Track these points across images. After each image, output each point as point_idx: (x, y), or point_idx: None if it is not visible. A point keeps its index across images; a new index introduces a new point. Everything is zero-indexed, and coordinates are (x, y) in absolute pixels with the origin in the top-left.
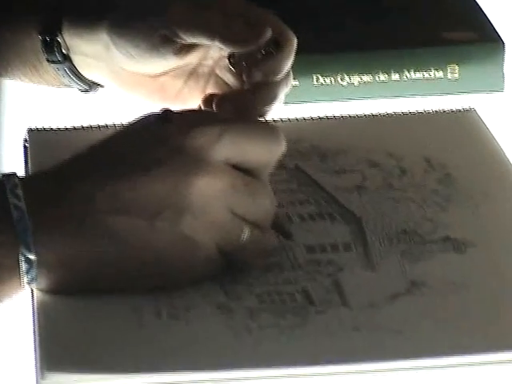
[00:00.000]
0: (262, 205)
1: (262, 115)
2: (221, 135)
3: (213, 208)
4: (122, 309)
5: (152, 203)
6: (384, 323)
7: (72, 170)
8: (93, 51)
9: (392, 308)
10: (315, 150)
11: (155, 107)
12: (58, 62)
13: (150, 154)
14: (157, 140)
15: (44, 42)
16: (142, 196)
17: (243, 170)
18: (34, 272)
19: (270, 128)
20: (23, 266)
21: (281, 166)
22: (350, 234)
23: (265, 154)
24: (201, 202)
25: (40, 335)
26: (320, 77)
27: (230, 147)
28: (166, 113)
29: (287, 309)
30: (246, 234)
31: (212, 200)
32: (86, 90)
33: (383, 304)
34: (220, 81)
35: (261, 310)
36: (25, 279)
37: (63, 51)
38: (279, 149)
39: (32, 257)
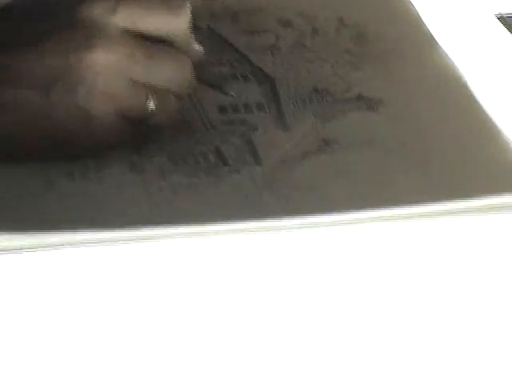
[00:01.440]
0: (166, 69)
1: None
2: (116, 4)
3: (109, 78)
4: (33, 172)
5: (45, 76)
6: (296, 181)
7: None
8: None
9: (304, 166)
10: (227, 11)
11: None
12: None
13: (43, 25)
14: (51, 11)
15: None
16: (34, 68)
17: (150, 39)
18: None
19: None
20: None
21: (192, 27)
22: (264, 95)
23: (166, 19)
24: (95, 72)
25: None
26: None
27: (126, 16)
28: None
29: (200, 169)
30: (150, 99)
31: (108, 70)
32: None
33: (296, 162)
34: None
35: (173, 170)
36: None
37: None
38: (182, 13)
39: None
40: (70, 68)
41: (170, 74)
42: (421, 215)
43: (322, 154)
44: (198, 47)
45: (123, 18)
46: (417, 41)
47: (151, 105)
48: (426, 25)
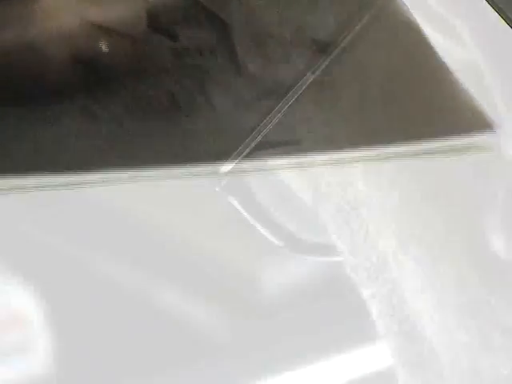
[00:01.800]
0: (120, 11)
1: None
2: None
3: (63, 18)
4: None
5: None
6: (249, 125)
7: None
8: None
9: (257, 109)
10: None
11: None
12: None
13: None
14: None
15: None
16: None
17: None
18: None
19: None
20: None
21: None
22: (217, 40)
23: None
24: (48, 13)
25: None
26: None
27: None
28: None
29: (154, 113)
30: (103, 42)
31: (62, 11)
32: None
33: (249, 106)
34: None
35: (127, 115)
36: None
37: None
38: None
39: None
40: (22, 9)
41: (124, 15)
42: (371, 158)
43: (276, 95)
44: None
45: None
46: None
47: (104, 47)
48: None
